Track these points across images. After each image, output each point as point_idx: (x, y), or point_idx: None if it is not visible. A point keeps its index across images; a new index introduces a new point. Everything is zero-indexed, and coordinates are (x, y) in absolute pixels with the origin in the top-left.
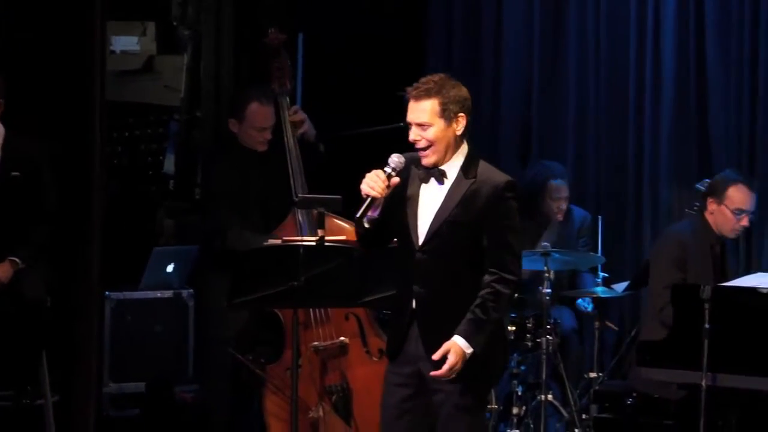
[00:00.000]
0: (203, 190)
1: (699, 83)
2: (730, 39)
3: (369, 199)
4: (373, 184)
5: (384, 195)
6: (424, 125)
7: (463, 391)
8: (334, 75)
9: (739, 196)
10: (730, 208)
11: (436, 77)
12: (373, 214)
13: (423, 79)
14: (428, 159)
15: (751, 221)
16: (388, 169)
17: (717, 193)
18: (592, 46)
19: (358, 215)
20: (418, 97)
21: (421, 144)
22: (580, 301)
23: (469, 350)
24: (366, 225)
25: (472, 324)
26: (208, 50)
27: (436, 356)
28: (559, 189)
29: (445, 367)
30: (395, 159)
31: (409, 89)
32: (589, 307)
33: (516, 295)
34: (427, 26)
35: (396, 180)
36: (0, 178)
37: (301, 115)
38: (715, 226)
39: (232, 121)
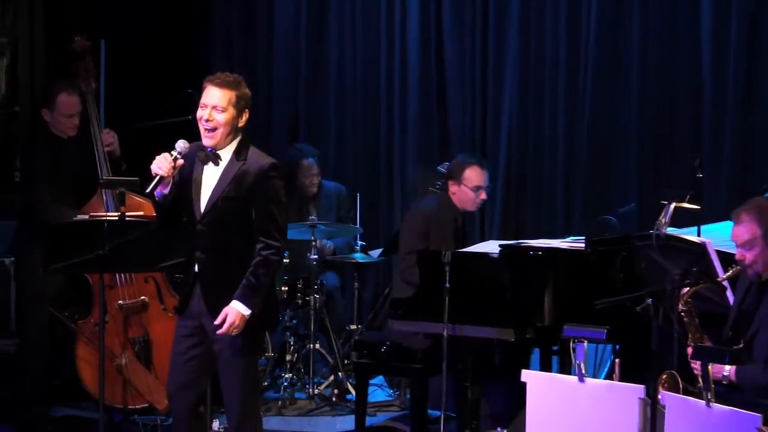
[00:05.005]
0: (22, 173)
1: (439, 81)
2: (464, 40)
3: (158, 177)
4: (161, 164)
5: (171, 174)
6: (218, 108)
7: (236, 342)
8: (132, 75)
9: (474, 175)
10: (469, 186)
11: (234, 75)
12: (163, 190)
13: (223, 73)
14: (211, 140)
15: (487, 194)
16: (174, 153)
17: (456, 175)
18: (349, 46)
19: (147, 190)
20: (220, 85)
21: (210, 125)
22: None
23: (247, 312)
24: (158, 199)
25: (247, 289)
26: (24, 53)
27: (217, 322)
28: (310, 167)
29: (225, 326)
30: (181, 144)
31: (210, 77)
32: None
33: (285, 260)
34: (210, 32)
35: (181, 162)
36: None
37: (112, 138)
38: (458, 202)
39: (45, 111)
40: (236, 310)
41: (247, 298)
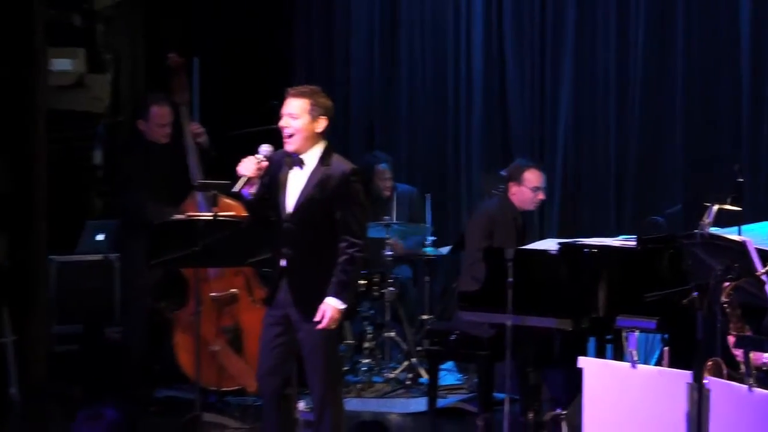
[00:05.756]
0: (121, 177)
1: (501, 91)
2: (523, 54)
3: (244, 178)
4: (247, 166)
5: (255, 175)
6: (293, 115)
7: (318, 330)
8: (222, 88)
9: (533, 177)
10: (528, 187)
11: (310, 87)
12: (250, 189)
13: (301, 86)
14: (290, 145)
15: (544, 195)
16: (259, 156)
17: (516, 177)
18: (419, 60)
19: (234, 189)
20: (295, 96)
21: (288, 131)
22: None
23: (341, 306)
24: (246, 198)
25: (339, 285)
26: (126, 69)
27: (317, 319)
28: (384, 172)
29: (325, 321)
30: (265, 148)
31: (289, 89)
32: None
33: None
34: (292, 49)
35: (265, 164)
36: None
37: (200, 129)
38: (518, 203)
39: (140, 121)
40: (332, 306)
41: (340, 293)
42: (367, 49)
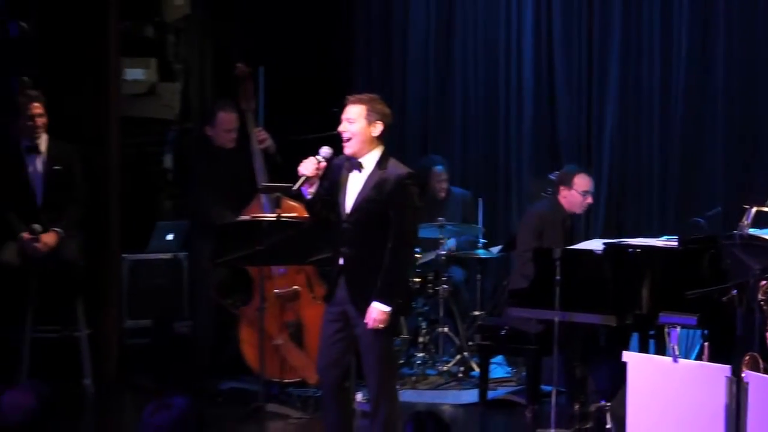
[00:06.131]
0: (189, 180)
1: (550, 98)
2: (571, 62)
3: (303, 177)
4: (306, 166)
5: (314, 175)
6: (350, 120)
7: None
8: (286, 96)
9: (583, 181)
10: (578, 191)
11: (368, 94)
12: (309, 189)
13: (359, 93)
14: (348, 148)
15: (592, 199)
16: (318, 157)
17: (566, 181)
18: (471, 68)
19: (294, 188)
20: (352, 102)
21: (345, 135)
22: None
23: (386, 308)
24: (306, 198)
25: (385, 287)
26: (195, 78)
27: (366, 321)
28: (440, 174)
29: (371, 324)
30: (325, 150)
31: (348, 97)
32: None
33: (418, 255)
34: (352, 58)
35: (324, 164)
36: (46, 170)
37: (265, 135)
38: (568, 205)
39: (207, 127)
40: (377, 309)
41: (385, 295)
42: (423, 59)
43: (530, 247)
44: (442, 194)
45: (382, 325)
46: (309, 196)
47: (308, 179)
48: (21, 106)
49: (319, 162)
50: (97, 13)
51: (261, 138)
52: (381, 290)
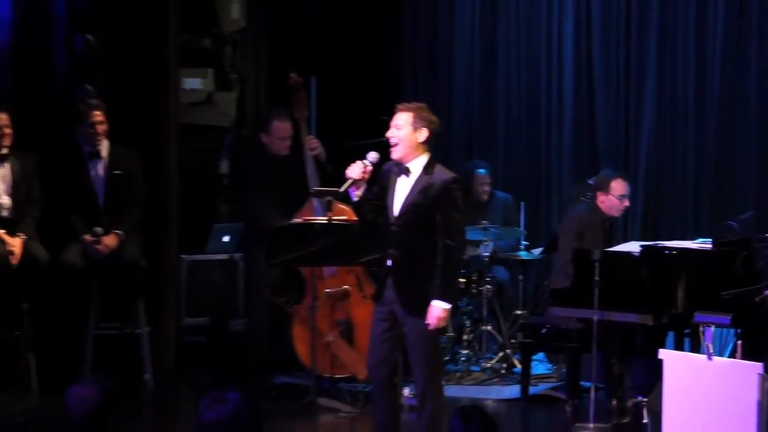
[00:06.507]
0: (245, 185)
1: (590, 106)
2: (610, 72)
3: (350, 180)
4: (354, 169)
5: (361, 178)
6: (398, 126)
7: (420, 324)
8: (337, 104)
9: (619, 186)
10: (615, 196)
11: (416, 103)
12: (356, 191)
13: (408, 102)
14: (395, 153)
15: (629, 202)
16: (366, 161)
17: (604, 186)
18: (514, 77)
19: (341, 190)
20: (400, 110)
21: (393, 140)
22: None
23: (446, 306)
24: (352, 199)
25: (441, 287)
26: (250, 88)
27: (427, 321)
28: (483, 177)
29: (434, 323)
30: (372, 155)
31: (398, 105)
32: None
33: (463, 256)
34: (401, 68)
35: (370, 168)
36: (107, 175)
37: (316, 143)
38: (606, 209)
39: (262, 135)
40: (438, 307)
41: (443, 295)
42: (467, 68)
43: (571, 248)
44: (485, 197)
45: (443, 323)
46: (355, 198)
47: (355, 182)
48: (83, 115)
49: (365, 166)
50: (158, 27)
51: (312, 146)
52: (439, 290)
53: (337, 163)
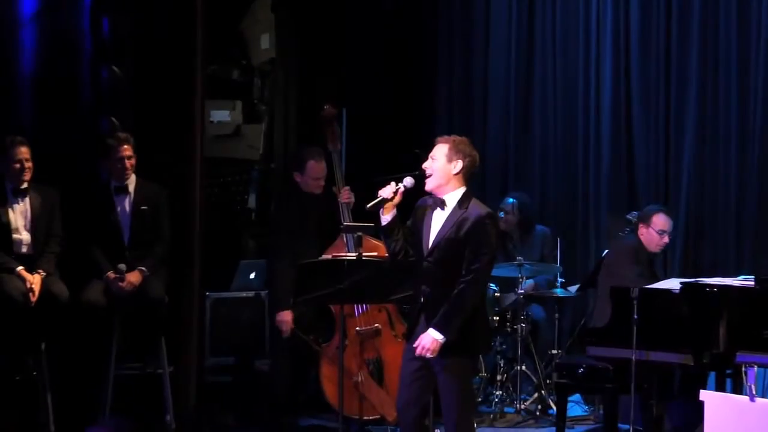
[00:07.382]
0: (273, 224)
1: (628, 140)
2: (649, 104)
3: (380, 198)
4: (386, 189)
5: (391, 198)
6: (433, 158)
7: (452, 364)
8: (369, 137)
9: (661, 221)
10: (655, 230)
11: (454, 136)
12: (386, 215)
13: (448, 135)
14: (429, 184)
15: (669, 239)
16: (400, 184)
17: (646, 219)
18: (550, 109)
19: (368, 207)
20: (439, 141)
21: (428, 171)
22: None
23: (440, 337)
24: (383, 224)
25: (443, 317)
26: (279, 120)
27: (415, 345)
28: (510, 206)
29: (419, 349)
30: (408, 179)
31: (438, 138)
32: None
33: (496, 293)
34: (434, 100)
35: (402, 190)
36: (133, 210)
37: (349, 195)
38: (645, 243)
39: (296, 174)
40: (430, 336)
41: (442, 326)
42: (503, 103)
43: (628, 273)
44: (506, 226)
45: (430, 354)
46: (384, 223)
47: (385, 201)
48: (111, 148)
49: (398, 188)
50: (185, 57)
51: (345, 197)
52: (439, 320)
53: (368, 197)
